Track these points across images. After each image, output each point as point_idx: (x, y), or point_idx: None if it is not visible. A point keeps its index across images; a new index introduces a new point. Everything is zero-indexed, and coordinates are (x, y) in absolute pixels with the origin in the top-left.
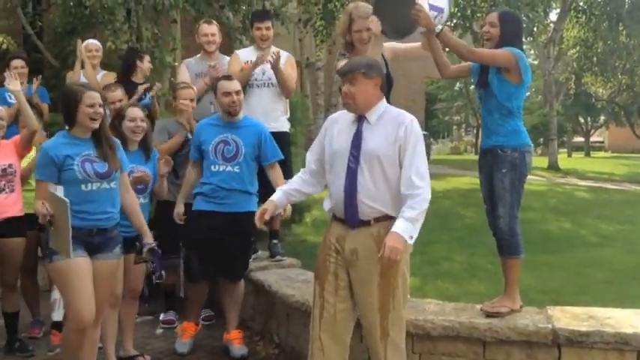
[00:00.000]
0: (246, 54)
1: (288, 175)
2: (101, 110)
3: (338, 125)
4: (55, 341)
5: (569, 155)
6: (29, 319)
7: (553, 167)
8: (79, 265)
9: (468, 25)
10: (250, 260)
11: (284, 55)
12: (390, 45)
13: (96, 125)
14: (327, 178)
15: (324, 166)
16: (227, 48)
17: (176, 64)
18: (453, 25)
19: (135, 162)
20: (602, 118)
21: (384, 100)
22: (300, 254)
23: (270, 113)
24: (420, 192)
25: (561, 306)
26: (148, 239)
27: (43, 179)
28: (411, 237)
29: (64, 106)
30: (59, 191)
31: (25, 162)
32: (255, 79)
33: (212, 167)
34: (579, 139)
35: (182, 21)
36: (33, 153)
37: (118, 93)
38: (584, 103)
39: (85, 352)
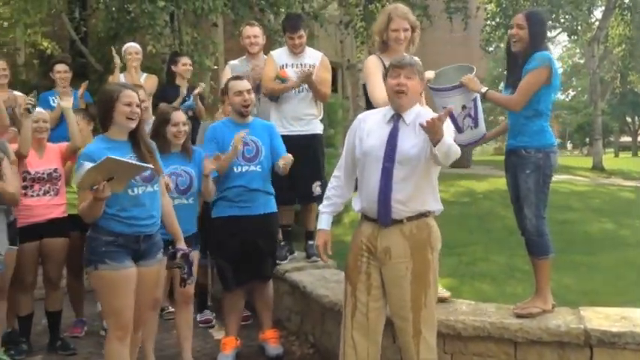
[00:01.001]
0: (280, 57)
1: (319, 176)
2: (138, 110)
3: (367, 125)
4: None
5: (617, 155)
6: (72, 319)
7: (597, 167)
8: (127, 277)
9: (510, 23)
10: (286, 261)
11: (317, 57)
12: None
13: (133, 125)
14: (358, 178)
15: (355, 165)
16: (268, 50)
17: (215, 67)
18: (495, 24)
19: (176, 163)
20: None
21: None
22: (336, 255)
23: (302, 118)
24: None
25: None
26: (182, 244)
27: None
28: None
29: (100, 107)
30: (86, 165)
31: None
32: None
33: (235, 169)
34: (627, 138)
35: (224, 24)
36: None
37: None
38: (632, 102)
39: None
